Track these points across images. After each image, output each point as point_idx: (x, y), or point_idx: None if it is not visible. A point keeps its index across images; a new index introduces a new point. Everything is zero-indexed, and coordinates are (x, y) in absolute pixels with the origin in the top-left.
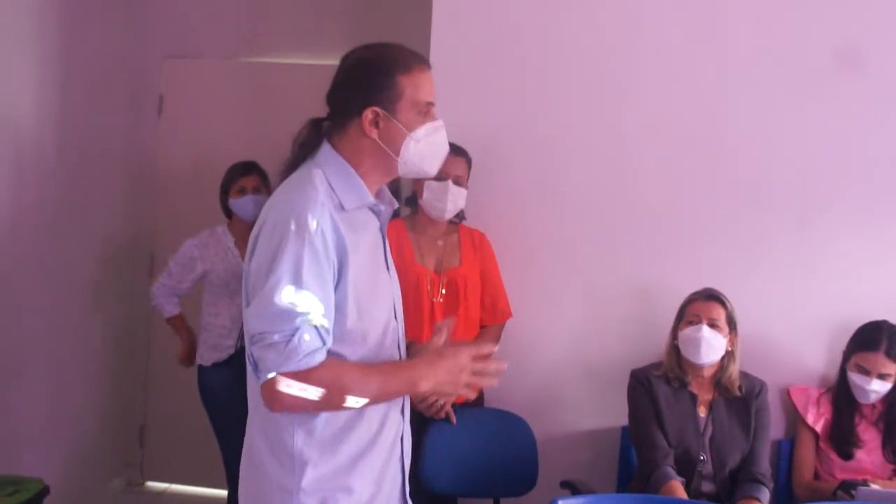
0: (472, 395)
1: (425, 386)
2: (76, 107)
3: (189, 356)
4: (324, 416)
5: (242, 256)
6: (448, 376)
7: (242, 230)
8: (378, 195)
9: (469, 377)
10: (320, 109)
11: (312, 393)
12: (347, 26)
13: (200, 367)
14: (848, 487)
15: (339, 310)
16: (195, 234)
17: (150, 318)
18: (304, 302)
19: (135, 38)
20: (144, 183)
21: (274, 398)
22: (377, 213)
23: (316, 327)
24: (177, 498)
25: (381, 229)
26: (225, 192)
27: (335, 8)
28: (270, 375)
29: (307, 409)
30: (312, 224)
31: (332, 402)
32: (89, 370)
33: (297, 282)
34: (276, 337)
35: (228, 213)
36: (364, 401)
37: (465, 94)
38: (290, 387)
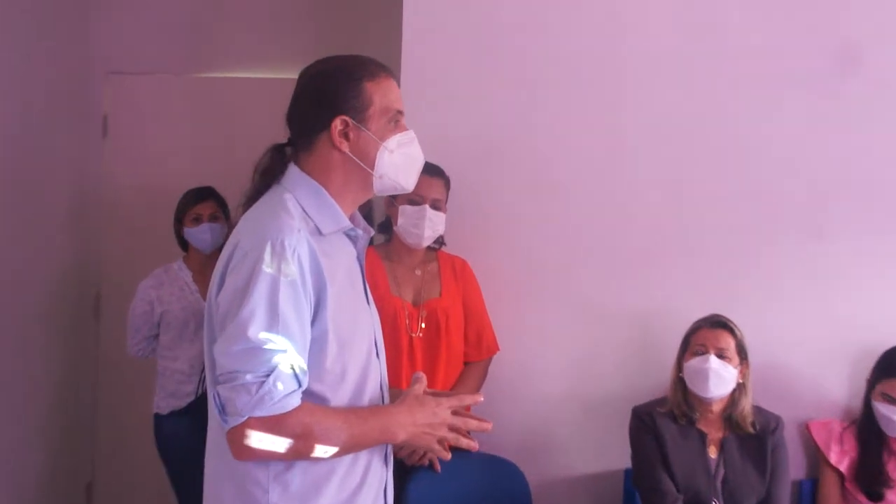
0: (446, 456)
1: (403, 436)
2: (10, 129)
3: None
4: (299, 467)
5: (201, 291)
6: (426, 428)
7: (200, 262)
8: (352, 220)
9: (446, 433)
10: (280, 126)
11: (284, 441)
12: (306, 39)
13: (157, 416)
14: None
15: (318, 345)
16: (147, 274)
17: (97, 363)
18: (280, 338)
19: (75, 52)
20: (89, 212)
21: (241, 446)
22: (353, 240)
23: (293, 367)
24: None
25: (359, 257)
26: (179, 221)
27: (293, 20)
28: (239, 420)
29: (276, 457)
30: (289, 251)
31: (304, 449)
32: (29, 421)
33: (273, 315)
34: (248, 377)
35: (184, 244)
36: (336, 449)
37: (440, 108)
38: (261, 433)
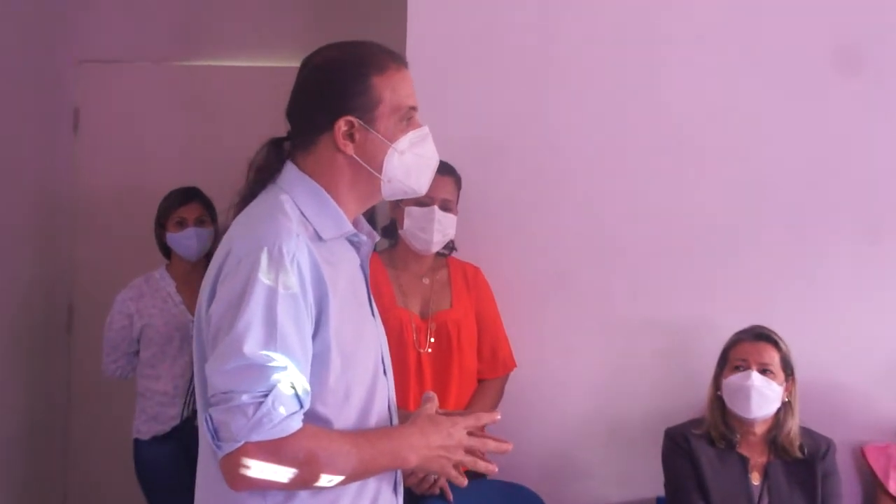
0: (462, 482)
1: (415, 460)
2: None
3: None
4: (301, 497)
5: (186, 303)
6: (441, 451)
7: (184, 271)
8: (355, 225)
9: (462, 456)
10: (273, 120)
11: (286, 469)
12: (301, 24)
13: (137, 442)
14: None
15: (320, 362)
16: (125, 285)
17: (69, 384)
18: (279, 355)
19: (44, 38)
20: (58, 216)
21: (237, 475)
22: (357, 246)
23: (294, 386)
24: None
25: (363, 266)
26: (161, 226)
27: (285, 2)
28: (234, 446)
29: (277, 486)
30: (287, 258)
31: (308, 478)
32: None
33: (271, 329)
34: (244, 398)
35: (166, 251)
36: (342, 477)
37: (450, 101)
38: (259, 460)
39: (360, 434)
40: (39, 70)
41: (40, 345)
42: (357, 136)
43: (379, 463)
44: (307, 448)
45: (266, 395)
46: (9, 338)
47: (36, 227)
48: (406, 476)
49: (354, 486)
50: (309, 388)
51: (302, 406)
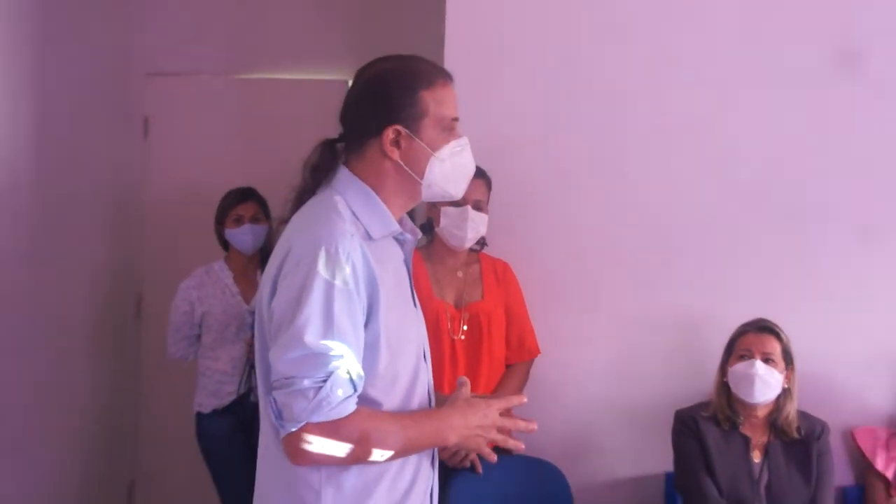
0: (492, 457)
1: (454, 438)
2: (52, 131)
3: None
4: (354, 470)
5: (242, 293)
6: (478, 430)
7: (241, 264)
8: (400, 223)
9: (495, 434)
10: (323, 128)
11: (342, 446)
12: (350, 39)
13: (199, 415)
14: None
15: (371, 351)
16: (188, 275)
17: (138, 365)
18: (336, 344)
19: (116, 54)
20: (130, 214)
21: (299, 451)
22: (402, 243)
23: (349, 372)
24: None
25: (406, 261)
26: (220, 223)
27: (336, 19)
28: (297, 426)
29: (334, 462)
30: (343, 257)
31: (361, 454)
32: (72, 422)
33: (329, 321)
34: (305, 383)
35: (225, 244)
36: (391, 453)
37: (480, 105)
38: (318, 438)
39: (406, 416)
40: (113, 82)
41: (112, 331)
42: (403, 143)
43: (423, 441)
44: (361, 428)
45: (325, 381)
46: (83, 324)
47: (109, 223)
48: (441, 451)
49: (398, 460)
50: (363, 374)
51: (356, 390)
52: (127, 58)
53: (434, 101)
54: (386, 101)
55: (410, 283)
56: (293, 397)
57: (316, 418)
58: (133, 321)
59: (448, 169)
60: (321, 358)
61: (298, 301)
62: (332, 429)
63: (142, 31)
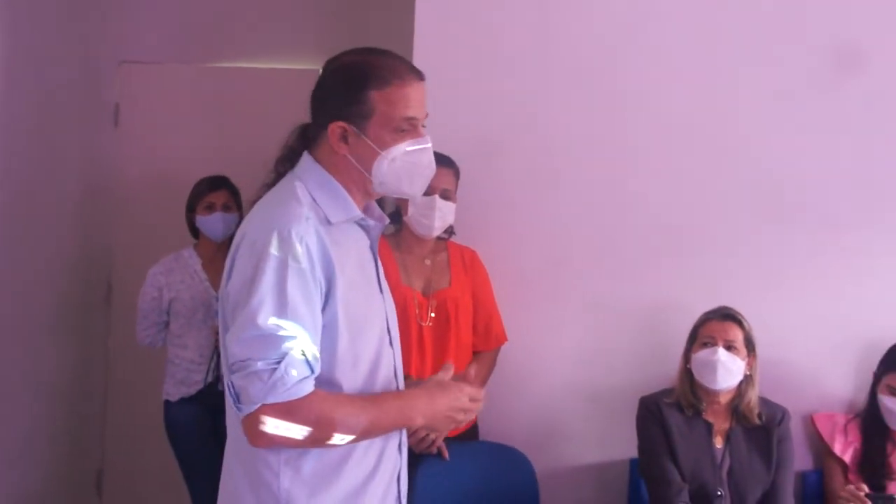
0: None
1: (421, 420)
2: (21, 116)
3: None
4: (314, 453)
5: (211, 280)
6: (448, 412)
7: (210, 251)
8: (366, 210)
9: (464, 417)
10: (294, 117)
11: (300, 427)
12: (322, 28)
13: (167, 403)
14: (882, 500)
15: (330, 333)
16: (157, 261)
17: (107, 352)
18: (290, 325)
19: (87, 41)
20: (100, 201)
21: (257, 433)
22: (366, 230)
23: (304, 353)
24: None
25: (372, 247)
26: (191, 210)
27: (308, 9)
28: (253, 408)
29: (293, 444)
30: (296, 239)
31: (321, 436)
32: (39, 409)
33: (283, 302)
34: (259, 364)
35: (195, 232)
36: (352, 436)
37: (450, 98)
38: (275, 420)
39: (368, 397)
40: (84, 70)
41: (81, 316)
42: (350, 139)
43: (386, 422)
44: (318, 409)
45: (279, 362)
46: (53, 310)
47: (79, 210)
48: (409, 436)
49: (363, 443)
50: (318, 355)
51: (313, 371)
52: (99, 45)
53: (385, 102)
54: (334, 98)
55: (377, 268)
56: (249, 379)
57: (271, 399)
58: (102, 309)
59: (400, 168)
60: (274, 339)
61: (252, 283)
62: (287, 410)
63: (114, 20)
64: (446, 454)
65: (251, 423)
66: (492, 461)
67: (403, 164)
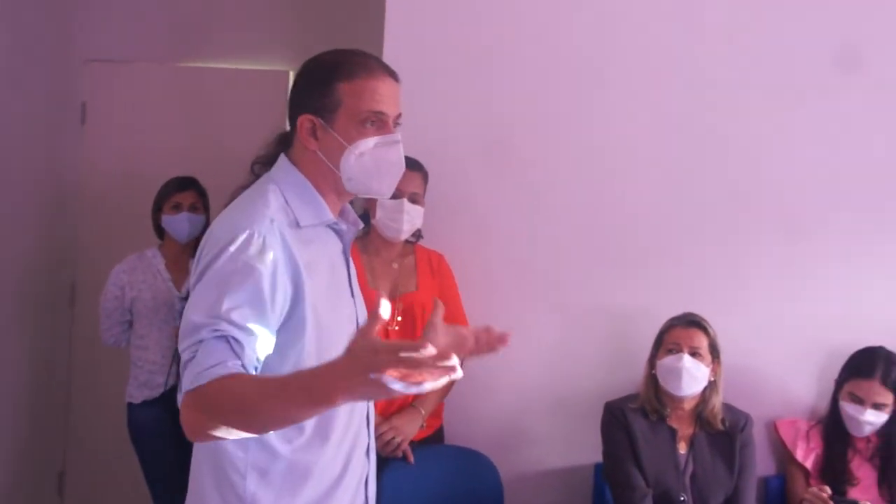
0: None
1: (340, 397)
2: None
3: None
4: (283, 457)
5: (174, 280)
6: (364, 372)
7: (175, 252)
8: (341, 214)
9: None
10: (263, 118)
11: (209, 413)
12: (292, 30)
13: (130, 406)
14: None
15: (297, 334)
16: (121, 260)
17: (70, 353)
18: (217, 314)
19: (52, 38)
20: (65, 200)
21: (184, 424)
22: (339, 233)
23: (227, 339)
24: None
25: (345, 251)
26: (158, 209)
27: (277, 11)
28: (181, 399)
29: (212, 433)
30: (256, 240)
31: (233, 422)
32: (1, 410)
33: (220, 293)
34: (185, 354)
35: (161, 232)
36: (262, 418)
37: (419, 102)
38: (189, 409)
39: (272, 377)
40: (51, 67)
41: (45, 317)
42: (319, 134)
43: (296, 402)
44: (219, 391)
45: (197, 348)
46: (16, 309)
47: (44, 209)
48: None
49: (330, 449)
50: (248, 344)
51: (237, 358)
52: (65, 43)
53: (351, 94)
54: (303, 91)
55: (349, 272)
56: (183, 370)
57: (186, 387)
58: (66, 310)
59: (368, 163)
60: (197, 327)
61: (201, 278)
62: (196, 397)
63: (81, 18)
64: (411, 458)
65: (181, 415)
66: (457, 465)
67: (371, 160)
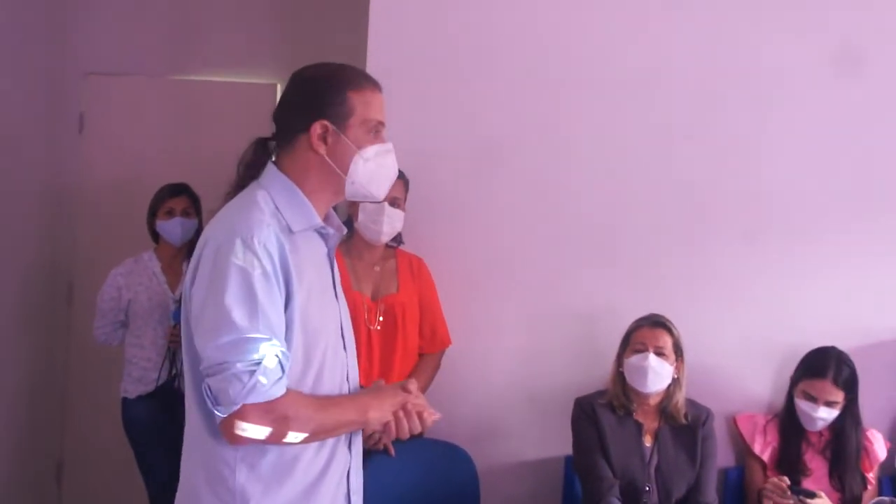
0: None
1: (374, 414)
2: None
3: None
4: (271, 452)
5: (169, 282)
6: (392, 408)
7: (169, 255)
8: (326, 219)
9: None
10: (252, 129)
11: (276, 426)
12: (279, 45)
13: (125, 400)
14: (802, 493)
15: (286, 336)
16: (119, 263)
17: (68, 350)
18: (262, 327)
19: (54, 52)
20: (63, 205)
21: (234, 433)
22: (325, 238)
23: (277, 355)
24: None
25: (329, 255)
26: (153, 214)
27: (266, 27)
28: (233, 408)
29: (270, 441)
30: (259, 245)
31: (294, 433)
32: (2, 404)
33: (253, 306)
34: (238, 367)
35: (156, 236)
36: (320, 433)
37: (399, 109)
38: (254, 419)
39: (327, 398)
40: (50, 80)
41: (44, 315)
42: (330, 139)
43: (345, 419)
44: (293, 407)
45: (258, 364)
46: (16, 309)
47: (43, 214)
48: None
49: (315, 444)
50: (289, 355)
51: (284, 372)
52: (65, 57)
53: (361, 103)
54: (316, 99)
55: (333, 275)
56: (228, 381)
57: (251, 400)
58: (64, 308)
59: (372, 168)
60: (251, 342)
61: (220, 289)
62: (266, 410)
63: (80, 33)
64: (392, 451)
65: (230, 424)
66: (435, 458)
67: (375, 166)
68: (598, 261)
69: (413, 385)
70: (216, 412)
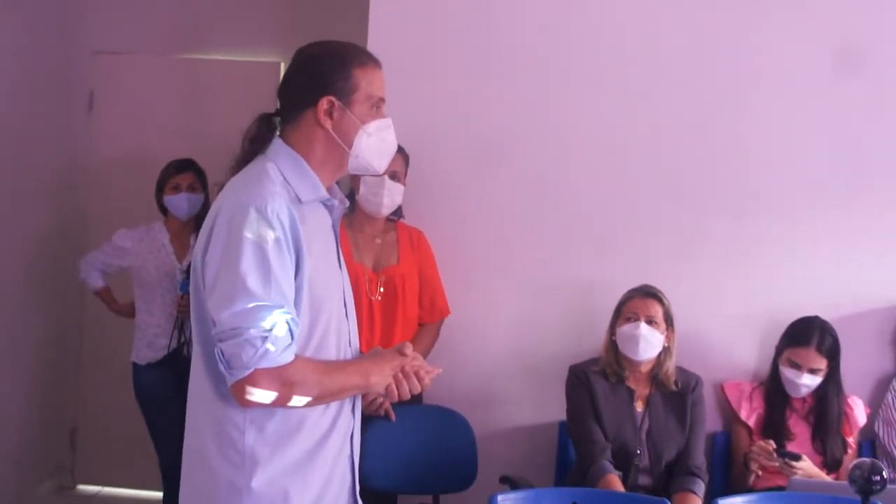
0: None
1: (375, 379)
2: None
3: (130, 313)
4: (278, 414)
5: (176, 253)
6: (391, 371)
7: (177, 228)
8: (329, 192)
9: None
10: (257, 106)
11: (286, 390)
12: (283, 24)
13: (135, 366)
14: (787, 455)
15: (294, 304)
16: (131, 227)
17: (81, 318)
18: (275, 295)
19: (63, 31)
20: (74, 180)
21: (247, 396)
22: (329, 209)
23: (288, 322)
24: (109, 501)
25: (334, 226)
26: (160, 189)
27: (270, 6)
28: (245, 373)
29: (279, 404)
30: (272, 214)
31: (300, 397)
32: (18, 371)
33: (266, 274)
34: (252, 332)
35: (164, 210)
36: (327, 396)
37: (401, 90)
38: (265, 383)
39: (334, 362)
40: (61, 58)
41: (57, 286)
42: (335, 114)
43: (349, 383)
44: (302, 372)
45: (270, 330)
46: (30, 280)
47: (55, 187)
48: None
49: (320, 406)
50: (299, 322)
51: (293, 338)
52: (75, 36)
53: (365, 80)
54: (322, 75)
55: (337, 246)
56: (241, 346)
57: (263, 364)
58: (76, 279)
59: (374, 143)
60: (265, 308)
61: (235, 257)
62: (277, 374)
63: (89, 12)
64: (393, 416)
65: (241, 388)
66: (434, 423)
67: (377, 140)
68: (590, 235)
69: (409, 348)
70: (228, 375)
